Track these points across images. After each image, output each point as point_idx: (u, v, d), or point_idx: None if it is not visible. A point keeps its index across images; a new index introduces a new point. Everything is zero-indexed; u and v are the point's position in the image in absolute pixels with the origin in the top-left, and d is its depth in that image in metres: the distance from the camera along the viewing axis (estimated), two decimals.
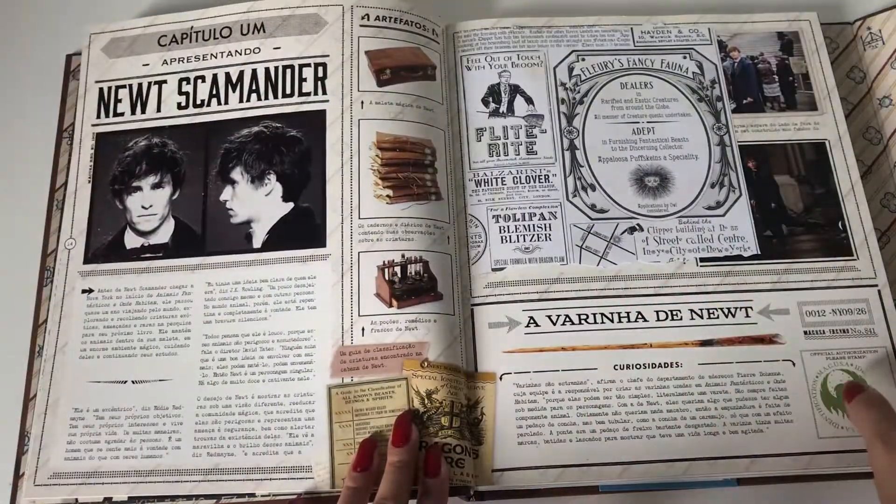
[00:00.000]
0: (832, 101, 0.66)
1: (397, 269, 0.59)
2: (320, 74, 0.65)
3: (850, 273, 0.61)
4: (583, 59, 0.68)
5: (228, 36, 0.68)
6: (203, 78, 0.67)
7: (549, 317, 0.60)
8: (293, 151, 0.63)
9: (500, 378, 0.58)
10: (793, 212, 0.63)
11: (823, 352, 0.59)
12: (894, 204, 0.65)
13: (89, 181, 0.65)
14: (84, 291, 0.62)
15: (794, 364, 0.58)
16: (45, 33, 0.75)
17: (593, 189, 0.64)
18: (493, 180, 0.64)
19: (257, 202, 0.62)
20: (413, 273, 0.59)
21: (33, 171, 0.69)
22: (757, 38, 0.69)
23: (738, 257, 0.62)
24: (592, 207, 0.63)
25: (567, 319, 0.60)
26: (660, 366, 0.58)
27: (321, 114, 0.64)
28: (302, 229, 0.61)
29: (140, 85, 0.67)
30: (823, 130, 0.65)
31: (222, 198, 0.63)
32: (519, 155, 0.65)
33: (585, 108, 0.66)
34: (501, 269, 0.61)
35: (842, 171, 0.64)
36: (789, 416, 0.57)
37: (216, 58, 0.67)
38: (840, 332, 0.59)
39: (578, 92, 0.67)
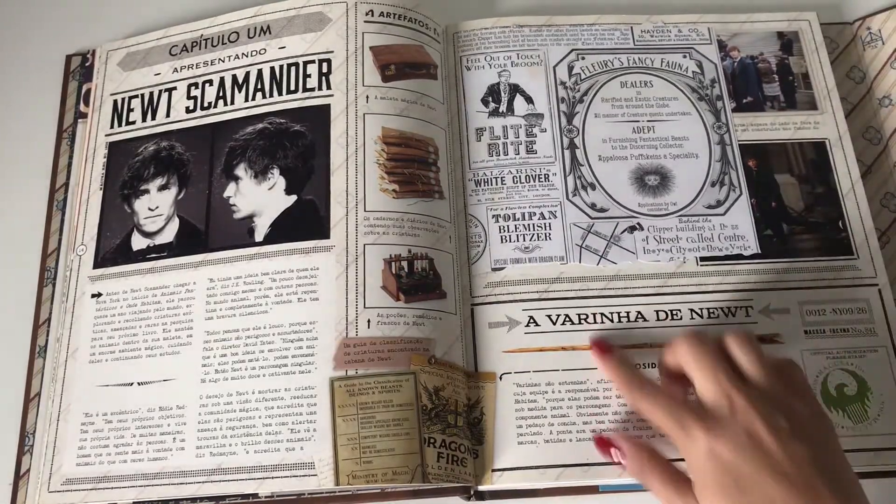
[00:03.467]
0: (832, 101, 0.66)
1: (404, 263, 0.58)
2: (324, 70, 0.65)
3: (850, 272, 0.61)
4: (583, 58, 0.68)
5: (236, 40, 0.68)
6: (211, 82, 0.67)
7: (549, 316, 0.60)
8: (297, 145, 0.63)
9: (500, 378, 0.58)
10: (793, 211, 0.63)
11: (824, 351, 0.59)
12: (894, 204, 0.65)
13: (101, 188, 0.65)
14: (93, 296, 0.62)
15: None
16: (45, 33, 0.75)
17: (593, 188, 0.64)
18: (493, 180, 0.64)
19: (260, 196, 0.62)
20: (419, 269, 0.59)
21: (33, 172, 0.69)
22: (757, 38, 0.69)
23: (739, 256, 0.62)
24: (592, 206, 0.63)
25: (567, 319, 0.60)
26: None
27: (325, 108, 0.63)
28: (305, 221, 0.60)
29: (151, 94, 0.68)
30: (823, 130, 0.66)
31: (226, 195, 0.63)
32: (519, 154, 0.65)
33: (585, 107, 0.66)
34: (501, 268, 0.61)
35: (842, 170, 0.64)
36: None
37: (224, 62, 0.67)
38: (840, 331, 0.59)
39: (578, 91, 0.67)
